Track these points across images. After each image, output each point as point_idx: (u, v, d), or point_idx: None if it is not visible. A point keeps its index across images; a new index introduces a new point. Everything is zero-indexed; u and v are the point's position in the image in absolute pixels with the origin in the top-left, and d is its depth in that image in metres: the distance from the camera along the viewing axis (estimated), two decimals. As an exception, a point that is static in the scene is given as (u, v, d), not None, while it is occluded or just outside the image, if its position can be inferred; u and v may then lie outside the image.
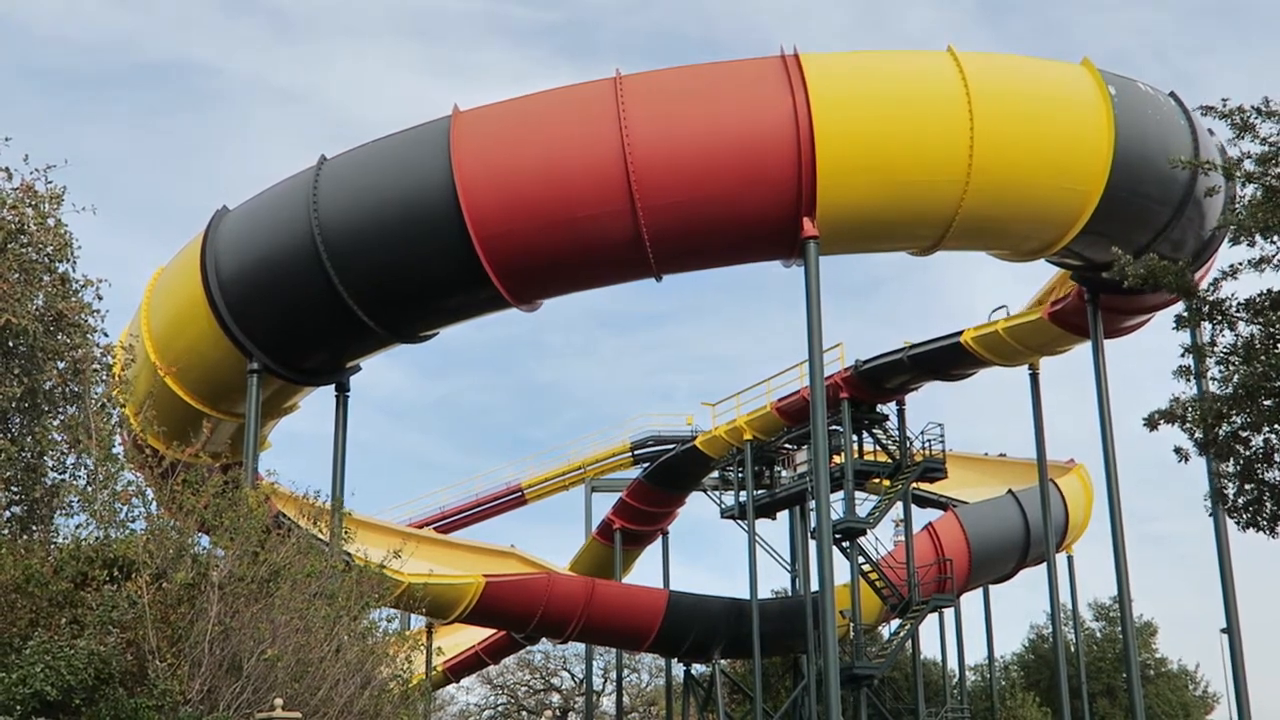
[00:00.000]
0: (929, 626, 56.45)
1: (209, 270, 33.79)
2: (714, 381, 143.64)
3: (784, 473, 51.47)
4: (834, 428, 46.85)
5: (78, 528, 20.62)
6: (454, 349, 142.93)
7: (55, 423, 21.60)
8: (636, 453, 59.94)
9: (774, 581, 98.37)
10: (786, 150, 31.09)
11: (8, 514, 20.78)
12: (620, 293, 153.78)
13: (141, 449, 25.40)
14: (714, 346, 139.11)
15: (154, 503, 21.52)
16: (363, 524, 39.73)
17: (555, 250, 31.52)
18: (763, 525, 52.62)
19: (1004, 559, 56.43)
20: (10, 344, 20.87)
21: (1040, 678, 68.49)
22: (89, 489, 20.87)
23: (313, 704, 21.14)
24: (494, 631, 59.16)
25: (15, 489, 20.97)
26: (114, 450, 21.30)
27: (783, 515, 54.41)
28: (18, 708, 17.09)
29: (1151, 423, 23.69)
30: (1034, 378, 44.60)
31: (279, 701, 19.34)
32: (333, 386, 36.34)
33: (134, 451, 24.12)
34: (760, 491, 51.55)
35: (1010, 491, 56.66)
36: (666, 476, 56.19)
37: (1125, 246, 27.47)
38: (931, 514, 58.12)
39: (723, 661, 55.59)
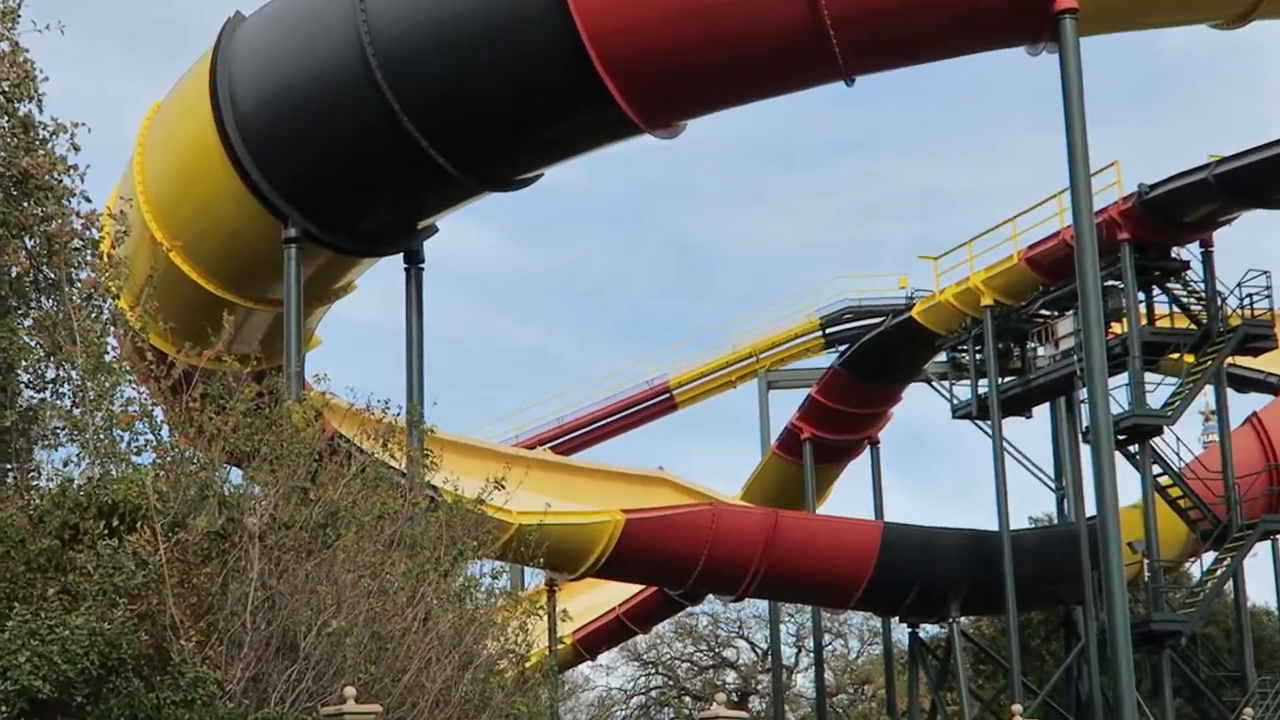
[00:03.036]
0: (1257, 561, 55.43)
1: (222, 102, 34.21)
2: (935, 227, 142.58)
3: (1041, 351, 51.00)
4: (1111, 283, 46.19)
5: (65, 464, 21.19)
6: (566, 199, 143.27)
7: (26, 323, 22.13)
8: (829, 331, 59.78)
9: (1033, 506, 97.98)
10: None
11: (-29, 449, 21.43)
12: (797, 108, 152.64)
13: (144, 354, 25.88)
14: (934, 179, 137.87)
15: (164, 426, 22.02)
16: (451, 445, 40.27)
17: (699, 47, 31.40)
18: (1013, 426, 52.29)
19: (1364, 462, 55.45)
20: (-41, 216, 21.38)
21: None
22: (76, 411, 21.39)
23: (396, 693, 21.64)
24: (640, 589, 59.91)
25: (-21, 415, 21.57)
26: (107, 357, 21.77)
27: (1041, 411, 54.02)
28: (2, 708, 17.70)
29: None
30: (1402, 199, 43.46)
31: (351, 691, 19.81)
32: (400, 257, 36.72)
33: (134, 357, 24.59)
34: (1009, 379, 51.18)
35: (1371, 365, 55.58)
36: (872, 363, 56.01)
37: None
38: (1257, 401, 57.32)
39: (963, 620, 55.70)
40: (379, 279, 38.19)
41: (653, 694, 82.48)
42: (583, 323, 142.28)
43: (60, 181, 22.33)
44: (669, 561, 49.42)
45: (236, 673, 19.86)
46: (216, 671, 19.54)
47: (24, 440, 21.88)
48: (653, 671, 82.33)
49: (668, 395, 62.25)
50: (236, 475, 22.39)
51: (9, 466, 21.83)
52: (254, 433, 22.34)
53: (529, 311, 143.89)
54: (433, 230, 36.80)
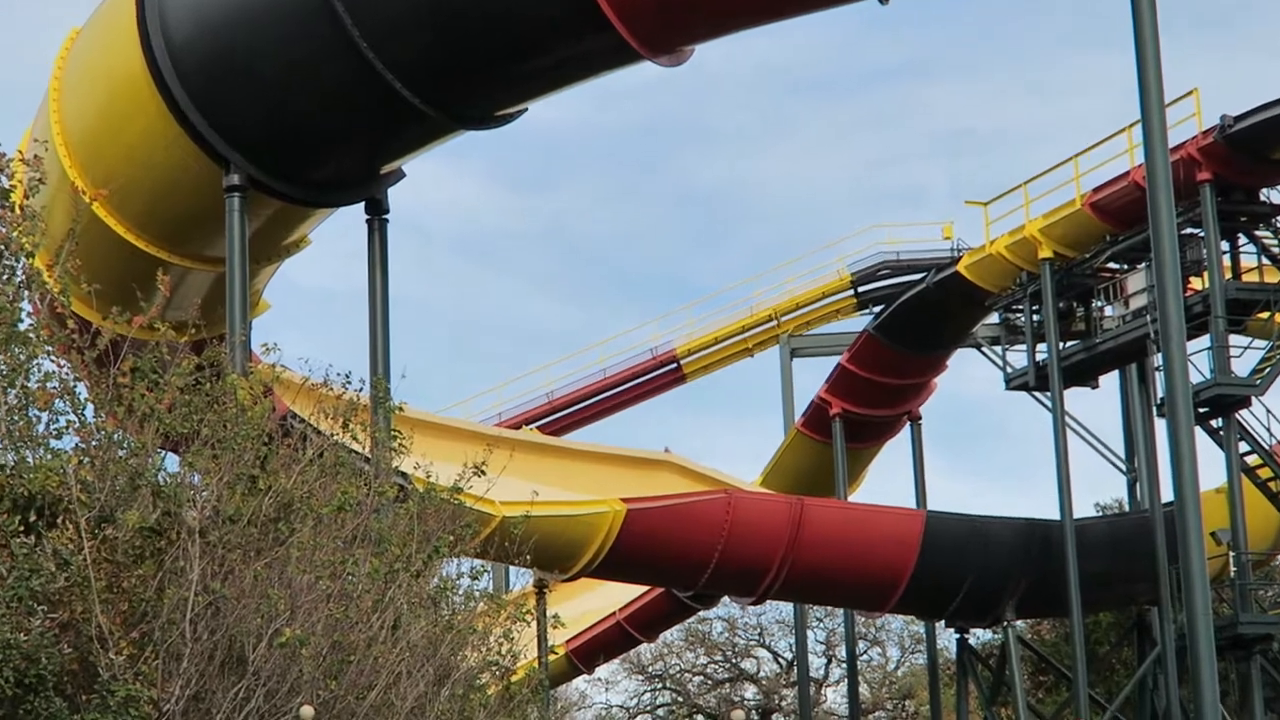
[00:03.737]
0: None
1: (152, 29, 34.06)
2: (985, 169, 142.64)
3: (1109, 310, 51.07)
4: (1189, 231, 46.21)
5: (-27, 450, 21.21)
6: (559, 140, 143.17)
7: (-74, 287, 22.09)
8: (861, 290, 59.84)
9: (1100, 491, 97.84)
10: None
11: None
12: (824, 32, 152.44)
13: (64, 321, 25.88)
14: (983, 112, 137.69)
15: (89, 405, 22.02)
16: (423, 425, 40.36)
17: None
18: (1077, 398, 52.36)
19: None
20: None
21: None
22: (-14, 388, 21.41)
23: (361, 711, 21.70)
24: (644, 590, 60.02)
25: (-128, 394, 21.59)
26: (21, 325, 21.78)
27: (1110, 381, 54.09)
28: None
29: None
30: None
31: (308, 711, 19.85)
32: (361, 207, 36.70)
33: (53, 325, 24.58)
34: (1071, 343, 51.24)
35: None
36: (912, 326, 56.10)
37: None
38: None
39: (1020, 623, 55.77)
40: (337, 233, 38.12)
41: (660, 712, 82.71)
42: (576, 282, 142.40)
43: (-37, 121, 22.36)
44: (677, 558, 49.49)
45: (175, 690, 19.87)
46: (151, 689, 19.56)
47: (-75, 424, 21.89)
48: (660, 686, 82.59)
49: (675, 365, 62.34)
50: (173, 462, 22.39)
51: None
52: (193, 412, 22.34)
53: (513, 270, 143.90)
54: (399, 176, 36.72)
